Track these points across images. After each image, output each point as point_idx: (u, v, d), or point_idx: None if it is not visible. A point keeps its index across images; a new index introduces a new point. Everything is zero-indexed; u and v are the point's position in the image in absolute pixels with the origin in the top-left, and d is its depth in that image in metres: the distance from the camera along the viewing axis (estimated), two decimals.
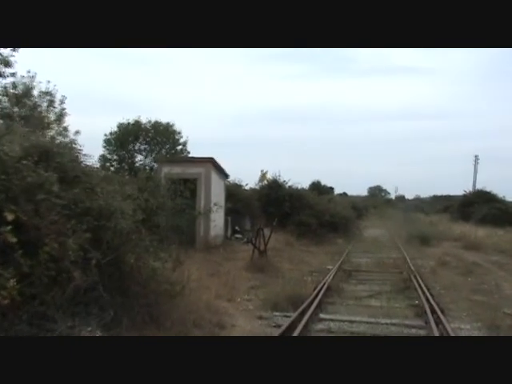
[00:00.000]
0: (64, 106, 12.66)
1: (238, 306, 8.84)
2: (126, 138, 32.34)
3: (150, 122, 33.17)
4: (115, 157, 32.54)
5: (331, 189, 67.35)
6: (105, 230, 5.85)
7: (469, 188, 47.06)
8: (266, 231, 15.17)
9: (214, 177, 15.79)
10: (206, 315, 7.51)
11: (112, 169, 31.06)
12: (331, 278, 11.81)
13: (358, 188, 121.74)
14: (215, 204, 14.83)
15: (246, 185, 21.63)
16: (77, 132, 10.23)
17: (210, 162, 15.48)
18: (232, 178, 20.22)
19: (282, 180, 24.20)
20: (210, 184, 15.29)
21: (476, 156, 53.97)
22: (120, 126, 32.91)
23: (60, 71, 59.64)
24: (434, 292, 10.47)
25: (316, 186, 43.21)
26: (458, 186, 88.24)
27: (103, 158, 32.39)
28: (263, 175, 13.58)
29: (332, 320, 8.00)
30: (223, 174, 17.14)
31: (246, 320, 7.84)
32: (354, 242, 23.66)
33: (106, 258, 5.72)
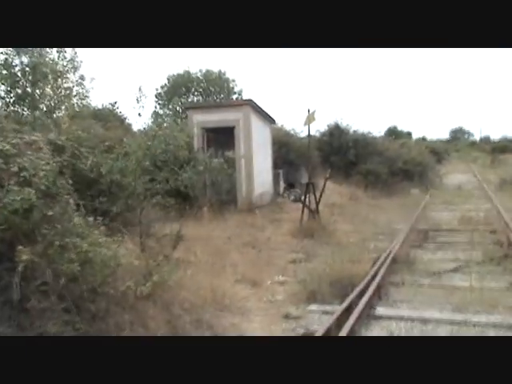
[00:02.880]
0: (75, 52, 10.52)
1: (262, 296, 6.38)
2: (178, 90, 30.23)
3: (200, 71, 30.83)
4: (167, 111, 30.65)
5: (409, 134, 62.44)
6: None
7: None
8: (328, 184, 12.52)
9: (256, 122, 13.12)
10: (204, 316, 5.15)
11: (165, 125, 29.38)
12: (400, 242, 9.00)
13: (438, 131, 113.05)
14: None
15: (302, 132, 18.71)
16: (92, 79, 8.20)
17: (249, 104, 12.77)
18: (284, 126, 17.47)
19: (345, 125, 21.03)
20: (251, 131, 12.66)
21: None
22: (170, 78, 30.88)
23: None
24: None
25: (392, 132, 39.20)
26: None
27: (155, 114, 30.66)
28: (311, 116, 10.79)
29: (394, 318, 5.35)
30: (268, 118, 14.41)
31: (263, 323, 5.35)
32: (432, 191, 20.26)
33: None
